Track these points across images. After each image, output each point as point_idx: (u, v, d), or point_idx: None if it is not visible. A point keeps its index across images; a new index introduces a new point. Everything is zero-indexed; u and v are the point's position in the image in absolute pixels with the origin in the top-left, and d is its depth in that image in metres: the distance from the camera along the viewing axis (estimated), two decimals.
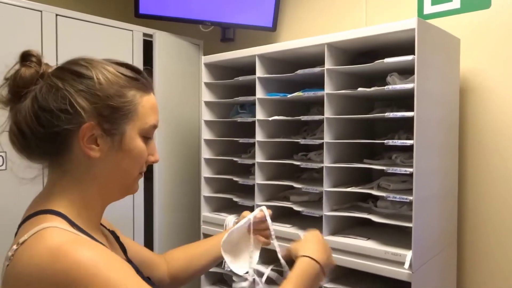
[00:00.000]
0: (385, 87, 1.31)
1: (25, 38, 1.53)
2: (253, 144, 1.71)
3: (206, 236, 1.86)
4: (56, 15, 1.61)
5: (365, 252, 1.33)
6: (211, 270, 1.86)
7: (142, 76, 0.75)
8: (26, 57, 0.70)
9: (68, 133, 0.67)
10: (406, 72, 1.40)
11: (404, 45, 1.40)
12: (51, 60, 1.56)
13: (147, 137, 0.74)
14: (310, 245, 0.97)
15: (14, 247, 0.61)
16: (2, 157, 1.47)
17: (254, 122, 1.67)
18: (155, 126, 0.75)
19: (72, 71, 0.69)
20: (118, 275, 0.59)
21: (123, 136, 0.71)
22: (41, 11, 1.57)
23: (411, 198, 1.23)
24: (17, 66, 0.70)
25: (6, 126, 0.71)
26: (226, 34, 2.26)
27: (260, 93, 1.65)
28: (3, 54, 1.47)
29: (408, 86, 1.24)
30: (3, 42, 1.47)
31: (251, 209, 1.68)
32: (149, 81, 0.76)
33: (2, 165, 1.47)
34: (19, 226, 0.70)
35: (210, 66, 1.87)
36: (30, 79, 0.68)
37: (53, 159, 0.71)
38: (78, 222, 0.68)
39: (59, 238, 0.60)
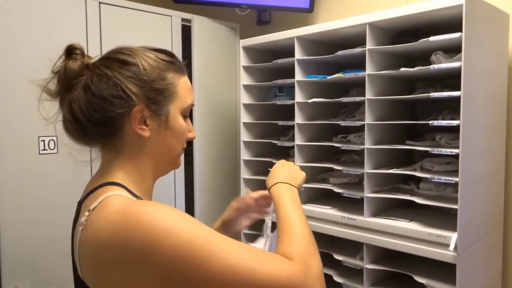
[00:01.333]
0: (430, 66, 1.28)
1: (71, 27, 1.58)
2: (292, 127, 1.72)
3: None
4: (100, 2, 1.66)
5: (408, 234, 1.32)
6: None
7: (176, 60, 0.81)
8: (71, 51, 0.75)
9: (121, 116, 0.73)
10: (451, 50, 1.36)
11: (448, 22, 1.35)
12: (96, 46, 1.63)
13: (185, 115, 0.81)
14: (274, 174, 0.92)
15: (86, 213, 0.67)
16: (54, 141, 1.54)
17: (292, 105, 1.67)
18: (192, 105, 0.82)
19: (118, 59, 0.74)
20: (186, 223, 0.62)
21: (167, 115, 0.76)
22: (85, 0, 1.62)
23: (456, 179, 1.21)
24: (61, 60, 0.76)
25: (57, 116, 0.78)
26: (262, 17, 2.26)
27: (299, 75, 1.64)
28: (52, 43, 1.53)
29: (455, 64, 1.20)
30: (51, 32, 1.53)
31: None
32: (182, 64, 0.82)
33: (54, 148, 1.54)
34: (81, 202, 0.74)
35: (248, 50, 1.88)
36: (78, 71, 0.73)
37: (107, 141, 0.76)
38: (138, 193, 0.74)
39: (124, 201, 0.66)
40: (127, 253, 0.60)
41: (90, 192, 0.73)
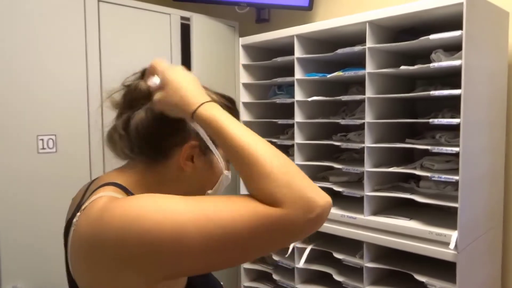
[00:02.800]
0: (431, 64, 1.27)
1: (70, 26, 1.57)
2: (291, 125, 1.72)
3: None
4: (98, 1, 1.65)
5: (408, 232, 1.32)
6: (251, 266, 1.91)
7: (235, 108, 0.79)
8: (144, 71, 0.75)
9: (173, 145, 0.72)
10: (452, 48, 1.36)
11: (448, 21, 1.35)
12: (94, 45, 1.62)
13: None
14: (183, 91, 0.67)
15: (78, 214, 0.66)
16: (53, 140, 1.54)
17: (292, 103, 1.67)
18: None
19: None
20: (160, 205, 0.58)
21: (213, 158, 0.75)
22: None
23: (457, 178, 1.21)
24: (134, 77, 0.76)
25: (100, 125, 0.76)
26: (261, 15, 2.25)
27: (298, 73, 1.64)
28: (50, 41, 1.53)
29: (456, 63, 1.20)
30: (49, 31, 1.52)
31: None
32: (238, 112, 0.81)
33: (52, 147, 1.54)
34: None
35: (247, 48, 1.87)
36: (147, 94, 0.72)
37: (146, 162, 0.74)
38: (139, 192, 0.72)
39: (107, 200, 0.64)
40: (104, 249, 0.59)
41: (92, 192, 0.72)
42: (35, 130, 1.49)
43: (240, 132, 0.62)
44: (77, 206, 0.74)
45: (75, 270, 0.67)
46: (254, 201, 0.58)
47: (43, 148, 1.51)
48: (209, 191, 0.77)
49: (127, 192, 0.70)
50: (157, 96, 0.68)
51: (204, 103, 0.66)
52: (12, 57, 1.44)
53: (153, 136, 0.71)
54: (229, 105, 0.77)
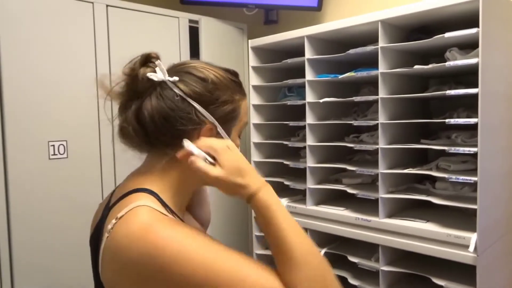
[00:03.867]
0: (446, 63, 1.25)
1: (79, 30, 1.57)
2: (302, 127, 1.70)
3: None
4: (107, 5, 1.64)
5: (425, 234, 1.29)
6: (263, 253, 1.89)
7: (239, 80, 0.79)
8: (147, 58, 0.72)
9: (190, 131, 0.71)
10: (466, 46, 1.33)
11: (461, 19, 1.33)
12: (104, 49, 1.61)
13: (239, 135, 0.80)
14: (239, 176, 0.67)
15: (113, 221, 0.65)
16: (64, 146, 1.53)
17: (302, 105, 1.65)
18: (246, 123, 0.80)
19: (195, 76, 0.72)
20: (205, 250, 0.61)
21: (230, 137, 0.75)
22: (92, 3, 1.61)
23: (475, 179, 1.18)
24: (132, 64, 0.73)
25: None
26: (269, 16, 2.24)
27: (309, 75, 1.62)
28: (60, 46, 1.52)
29: (472, 61, 1.17)
30: (59, 35, 1.52)
31: (303, 192, 1.68)
32: (241, 84, 0.80)
33: (63, 153, 1.53)
34: (111, 207, 0.73)
35: (256, 50, 1.86)
36: (153, 81, 0.70)
37: (164, 150, 0.73)
38: (170, 204, 0.72)
39: (149, 217, 0.64)
40: (141, 271, 0.60)
41: (121, 197, 0.71)
42: (46, 136, 1.49)
43: (290, 227, 0.65)
44: (106, 208, 0.73)
45: (105, 275, 0.67)
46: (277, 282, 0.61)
47: (54, 154, 1.51)
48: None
49: (160, 200, 0.70)
50: (214, 172, 0.66)
51: (256, 191, 0.67)
52: (22, 64, 1.43)
53: (170, 121, 0.69)
54: (234, 79, 0.77)
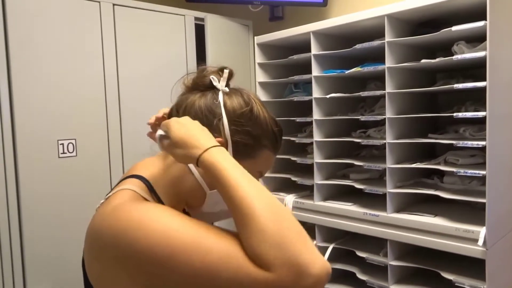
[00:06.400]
0: (453, 57, 1.24)
1: (86, 29, 1.58)
2: (309, 123, 1.70)
3: None
4: (113, 4, 1.65)
5: (433, 229, 1.29)
6: None
7: (280, 141, 0.80)
8: (222, 69, 0.78)
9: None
10: (473, 40, 1.32)
11: (468, 12, 1.32)
12: (111, 48, 1.62)
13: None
14: (186, 138, 0.65)
15: (101, 201, 0.68)
16: (73, 144, 1.55)
17: (309, 101, 1.65)
18: (261, 174, 0.80)
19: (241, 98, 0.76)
20: (173, 222, 0.58)
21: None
22: (99, 2, 1.62)
23: (484, 172, 1.18)
24: (207, 69, 0.79)
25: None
26: (274, 13, 2.23)
27: (316, 70, 1.62)
28: (67, 45, 1.54)
29: (480, 54, 1.17)
30: (66, 34, 1.53)
31: (311, 188, 1.68)
32: (279, 146, 0.81)
33: (73, 151, 1.55)
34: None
35: (262, 46, 1.86)
36: (209, 82, 0.76)
37: None
38: (161, 194, 0.71)
39: (127, 198, 0.65)
40: (105, 246, 0.60)
41: (118, 183, 0.74)
42: (55, 135, 1.50)
43: (241, 181, 0.59)
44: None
45: (86, 261, 0.67)
46: (245, 257, 0.54)
47: (64, 153, 1.52)
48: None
49: (150, 189, 0.71)
50: (164, 144, 0.68)
51: (208, 148, 0.63)
52: (31, 64, 1.45)
53: (197, 116, 0.72)
54: (274, 130, 0.77)
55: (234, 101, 0.74)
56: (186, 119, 0.69)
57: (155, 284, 0.59)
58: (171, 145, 0.66)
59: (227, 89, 0.76)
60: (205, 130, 0.67)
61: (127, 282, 0.60)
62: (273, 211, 0.56)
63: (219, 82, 0.76)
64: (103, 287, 0.64)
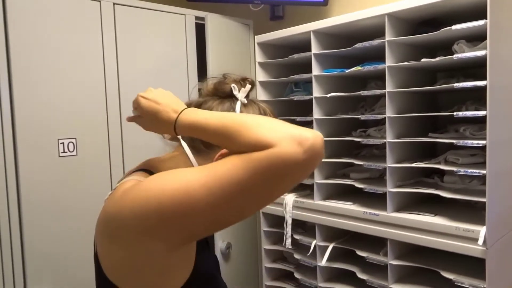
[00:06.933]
0: (454, 56, 1.24)
1: (86, 29, 1.58)
2: (309, 122, 1.70)
3: (266, 214, 1.89)
4: (114, 4, 1.66)
5: (433, 228, 1.29)
6: (272, 265, 1.90)
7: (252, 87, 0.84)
8: (244, 79, 0.81)
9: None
10: (474, 39, 1.32)
11: (468, 11, 1.32)
12: (111, 48, 1.62)
13: None
14: (159, 107, 0.71)
15: (109, 193, 0.71)
16: (73, 143, 1.55)
17: (309, 100, 1.65)
18: None
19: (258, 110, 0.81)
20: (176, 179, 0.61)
21: None
22: (99, 1, 1.62)
23: (484, 172, 1.18)
24: (230, 76, 0.83)
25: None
26: (275, 12, 2.23)
27: (316, 70, 1.62)
28: (67, 45, 1.54)
29: (480, 53, 1.16)
30: (66, 35, 1.53)
31: (311, 187, 1.68)
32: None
33: (73, 150, 1.55)
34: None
35: (263, 46, 1.86)
36: (229, 88, 0.79)
37: (193, 145, 0.77)
38: None
39: (132, 183, 0.68)
40: (125, 224, 0.62)
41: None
42: (55, 134, 1.50)
43: (220, 115, 0.64)
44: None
45: (100, 250, 0.68)
46: (246, 153, 0.59)
47: (64, 152, 1.52)
48: None
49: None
50: (140, 123, 0.74)
51: (179, 113, 0.68)
52: (31, 63, 1.45)
53: None
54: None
55: (250, 111, 0.77)
56: (150, 93, 0.73)
57: (192, 231, 0.61)
58: (141, 121, 0.73)
59: (245, 100, 0.78)
60: (169, 95, 0.72)
61: (162, 247, 0.61)
62: (259, 118, 0.63)
63: (239, 91, 0.78)
64: (126, 273, 0.65)
